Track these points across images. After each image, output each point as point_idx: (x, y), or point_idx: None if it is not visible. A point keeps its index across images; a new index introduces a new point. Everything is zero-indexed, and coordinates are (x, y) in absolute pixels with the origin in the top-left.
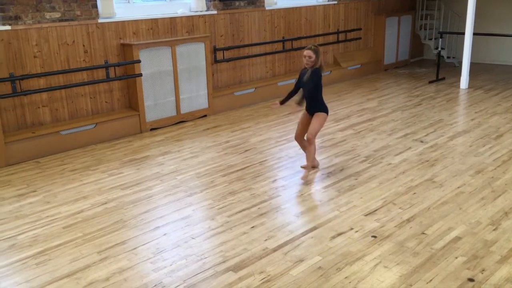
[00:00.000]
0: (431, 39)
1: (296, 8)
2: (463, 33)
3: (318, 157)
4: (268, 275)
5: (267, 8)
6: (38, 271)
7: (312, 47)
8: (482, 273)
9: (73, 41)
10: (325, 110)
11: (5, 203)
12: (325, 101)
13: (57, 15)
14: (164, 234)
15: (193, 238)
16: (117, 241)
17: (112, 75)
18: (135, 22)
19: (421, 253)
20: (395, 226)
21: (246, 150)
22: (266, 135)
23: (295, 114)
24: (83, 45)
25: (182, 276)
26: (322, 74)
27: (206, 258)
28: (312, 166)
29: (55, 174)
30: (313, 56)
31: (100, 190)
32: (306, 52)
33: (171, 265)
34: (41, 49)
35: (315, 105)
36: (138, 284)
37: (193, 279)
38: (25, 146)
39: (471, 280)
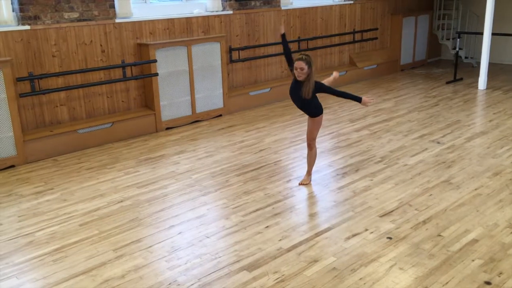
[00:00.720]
0: (448, 39)
1: (311, 8)
2: (482, 33)
3: (334, 158)
4: (282, 275)
5: (282, 8)
6: (55, 268)
7: (304, 57)
8: (499, 276)
9: (91, 41)
10: (319, 112)
11: (24, 200)
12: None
13: (75, 15)
14: (179, 233)
15: (207, 237)
16: (132, 239)
17: (128, 74)
18: (152, 22)
19: (437, 255)
20: (410, 228)
21: (261, 150)
22: (281, 135)
23: None
24: (101, 45)
25: (196, 275)
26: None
27: (220, 257)
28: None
29: (72, 172)
30: (305, 67)
31: (116, 188)
32: (298, 64)
33: (185, 263)
34: (59, 48)
35: (309, 110)
36: (153, 282)
37: (207, 278)
38: (43, 145)
39: (488, 283)
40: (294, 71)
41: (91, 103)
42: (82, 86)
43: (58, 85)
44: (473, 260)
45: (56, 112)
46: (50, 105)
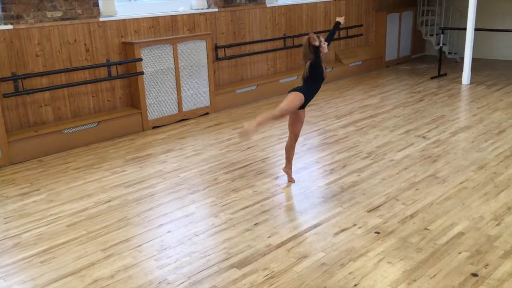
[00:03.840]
0: (432, 35)
1: (297, 5)
2: (465, 29)
3: (321, 154)
4: (272, 272)
5: (268, 5)
6: (43, 269)
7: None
8: (486, 268)
9: (75, 40)
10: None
11: (9, 202)
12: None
13: (58, 14)
14: (168, 232)
15: (196, 235)
16: (121, 239)
17: (114, 73)
18: (137, 20)
19: (425, 249)
20: (398, 222)
21: (249, 148)
22: (268, 133)
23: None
24: (85, 44)
25: (186, 273)
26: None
27: (210, 255)
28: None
29: (59, 172)
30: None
31: (104, 188)
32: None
33: (175, 262)
34: (43, 48)
35: None
36: (143, 281)
37: (197, 276)
38: (28, 145)
39: (474, 275)
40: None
41: (76, 102)
42: (66, 85)
43: (42, 85)
44: (459, 253)
45: (41, 112)
46: (34, 105)
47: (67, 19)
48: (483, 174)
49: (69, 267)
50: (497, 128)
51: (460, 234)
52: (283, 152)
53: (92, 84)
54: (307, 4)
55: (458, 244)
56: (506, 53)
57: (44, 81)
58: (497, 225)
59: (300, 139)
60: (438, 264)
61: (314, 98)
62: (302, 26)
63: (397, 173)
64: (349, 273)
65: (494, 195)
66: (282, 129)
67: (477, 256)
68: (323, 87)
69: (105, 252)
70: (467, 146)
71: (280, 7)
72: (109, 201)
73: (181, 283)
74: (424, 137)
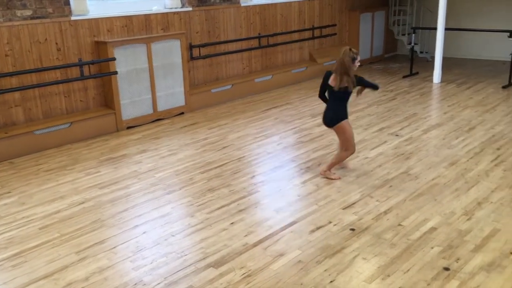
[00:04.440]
0: (404, 34)
1: (271, 4)
2: (435, 29)
3: (297, 152)
4: (249, 270)
5: (242, 5)
6: (14, 273)
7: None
8: (457, 262)
9: (46, 39)
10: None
11: None
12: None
13: (28, 12)
14: (144, 232)
15: (173, 236)
16: (95, 241)
17: (86, 73)
18: (109, 19)
19: (398, 244)
20: (372, 219)
21: (224, 147)
22: (244, 132)
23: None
24: (56, 43)
25: (162, 274)
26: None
27: (186, 255)
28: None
29: (30, 174)
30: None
31: (77, 189)
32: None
33: (151, 263)
34: (12, 47)
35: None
36: (118, 283)
37: (174, 276)
38: None
39: (446, 269)
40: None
41: (47, 103)
42: (37, 85)
43: (12, 85)
44: (432, 248)
45: (11, 113)
46: (4, 106)
47: (37, 17)
48: (454, 170)
49: (42, 271)
50: (467, 126)
51: (432, 229)
52: (259, 151)
53: (64, 84)
54: (281, 3)
55: (430, 239)
56: (476, 52)
57: (14, 81)
58: (467, 220)
59: (275, 138)
60: (412, 259)
61: (290, 96)
62: (276, 26)
63: (371, 171)
64: (325, 270)
65: (464, 190)
66: (257, 128)
67: (448, 251)
68: (297, 86)
69: (79, 255)
70: (439, 143)
71: (254, 6)
72: (83, 202)
73: (158, 284)
74: (397, 135)
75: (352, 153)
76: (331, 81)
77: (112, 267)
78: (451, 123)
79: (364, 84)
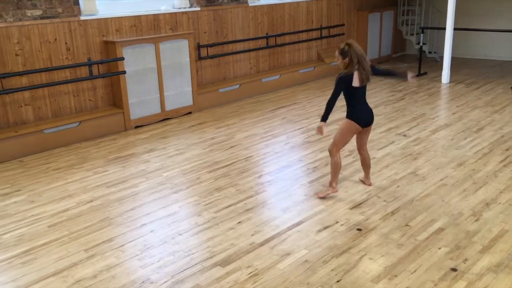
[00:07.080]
0: (412, 34)
1: (279, 4)
2: (444, 28)
3: (304, 152)
4: (256, 269)
5: (250, 5)
6: (24, 270)
7: (341, 45)
8: (465, 263)
9: (55, 39)
10: (348, 116)
11: None
12: (347, 105)
13: (38, 12)
14: (151, 231)
15: (180, 235)
16: (103, 239)
17: (95, 72)
18: (118, 19)
19: (405, 245)
20: (379, 219)
21: (232, 147)
22: (251, 131)
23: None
24: (66, 43)
25: (169, 272)
26: (341, 76)
27: (193, 254)
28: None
29: (39, 173)
30: (339, 57)
31: (86, 188)
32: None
33: (158, 261)
34: (22, 47)
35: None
36: (126, 280)
37: (180, 275)
38: (8, 145)
39: (454, 270)
40: None
41: (57, 102)
42: (47, 85)
43: (22, 84)
44: (439, 248)
45: (21, 112)
46: (14, 105)
47: (47, 17)
48: (462, 171)
49: (51, 268)
50: (475, 126)
51: (440, 230)
52: (267, 150)
53: (73, 83)
54: (289, 3)
55: (437, 240)
56: (485, 52)
57: (24, 81)
58: (475, 221)
59: (283, 138)
60: (419, 260)
61: (298, 96)
62: (284, 26)
63: (379, 171)
64: (332, 270)
65: (472, 191)
66: (265, 128)
67: (456, 251)
68: (305, 86)
69: (88, 252)
70: (447, 143)
71: (262, 6)
72: (91, 201)
73: (164, 282)
74: (405, 135)
75: (332, 155)
76: (356, 82)
77: (120, 265)
78: (459, 123)
79: (381, 73)
